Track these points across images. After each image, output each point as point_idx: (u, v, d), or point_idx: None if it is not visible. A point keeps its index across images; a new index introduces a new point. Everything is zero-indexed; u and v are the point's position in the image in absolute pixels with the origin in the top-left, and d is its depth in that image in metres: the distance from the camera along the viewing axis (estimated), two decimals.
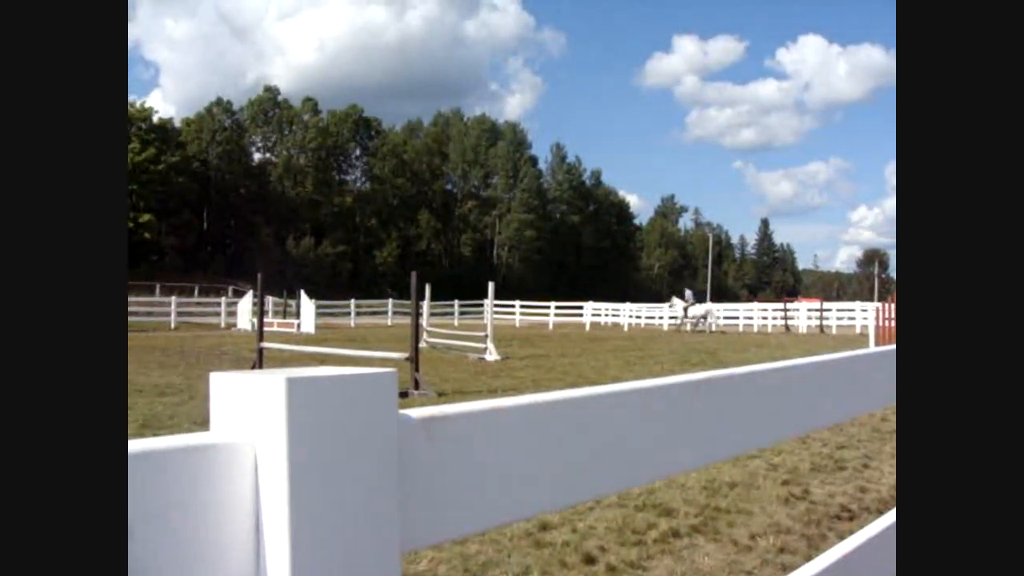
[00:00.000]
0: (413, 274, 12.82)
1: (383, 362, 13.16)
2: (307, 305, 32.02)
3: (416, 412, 1.09)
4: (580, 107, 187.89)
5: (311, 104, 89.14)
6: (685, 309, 38.67)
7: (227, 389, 0.96)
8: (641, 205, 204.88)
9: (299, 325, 31.05)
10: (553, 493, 1.35)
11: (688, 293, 40.09)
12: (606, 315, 46.72)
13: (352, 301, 45.99)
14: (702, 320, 37.78)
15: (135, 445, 0.85)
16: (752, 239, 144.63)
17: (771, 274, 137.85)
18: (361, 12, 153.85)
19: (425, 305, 23.48)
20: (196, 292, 55.78)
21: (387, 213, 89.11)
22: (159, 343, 24.02)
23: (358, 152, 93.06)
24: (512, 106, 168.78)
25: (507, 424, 1.23)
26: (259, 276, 15.63)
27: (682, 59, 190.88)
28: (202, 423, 8.88)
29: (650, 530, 5.05)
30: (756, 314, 43.00)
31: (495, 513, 1.24)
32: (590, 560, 4.51)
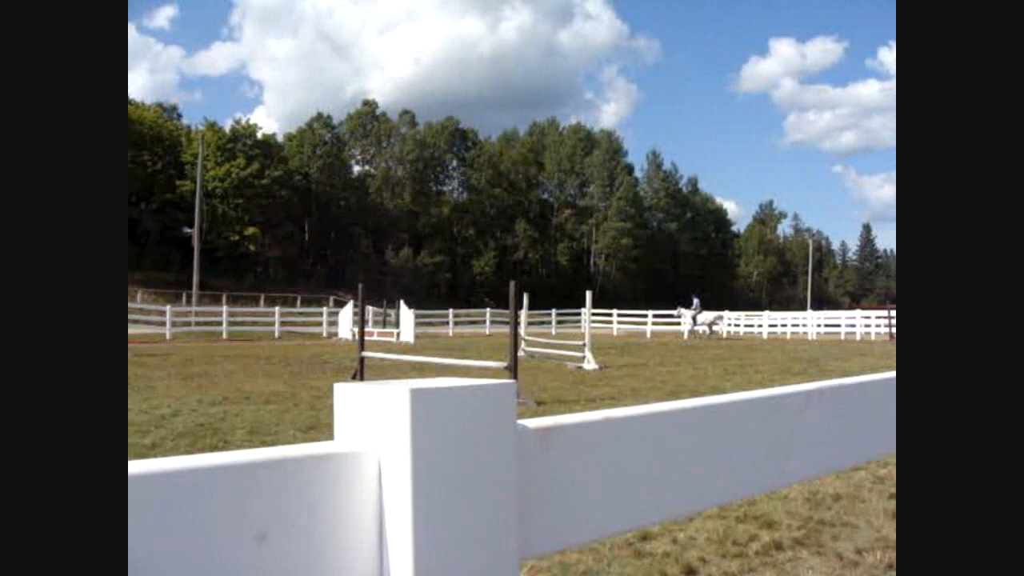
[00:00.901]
0: (512, 283, 12.88)
1: (482, 371, 13.25)
2: (406, 315, 32.48)
3: (532, 422, 1.11)
4: (676, 114, 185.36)
5: (408, 117, 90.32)
6: (693, 317, 40.23)
7: (351, 399, 0.99)
8: (739, 212, 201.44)
9: (399, 335, 31.50)
10: (661, 504, 1.35)
11: (695, 302, 41.30)
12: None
13: (450, 311, 46.60)
14: (712, 326, 39.81)
15: (267, 453, 0.89)
16: (853, 245, 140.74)
17: (874, 281, 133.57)
18: (456, 25, 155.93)
19: (523, 314, 23.54)
20: (298, 302, 57.12)
21: (484, 223, 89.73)
22: (264, 352, 24.69)
23: (455, 163, 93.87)
24: (607, 114, 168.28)
25: (619, 434, 1.24)
26: (359, 286, 15.95)
27: (779, 62, 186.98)
28: (305, 430, 9.11)
29: (752, 542, 4.97)
30: (859, 322, 42.14)
31: (606, 523, 1.25)
32: (691, 571, 4.47)
